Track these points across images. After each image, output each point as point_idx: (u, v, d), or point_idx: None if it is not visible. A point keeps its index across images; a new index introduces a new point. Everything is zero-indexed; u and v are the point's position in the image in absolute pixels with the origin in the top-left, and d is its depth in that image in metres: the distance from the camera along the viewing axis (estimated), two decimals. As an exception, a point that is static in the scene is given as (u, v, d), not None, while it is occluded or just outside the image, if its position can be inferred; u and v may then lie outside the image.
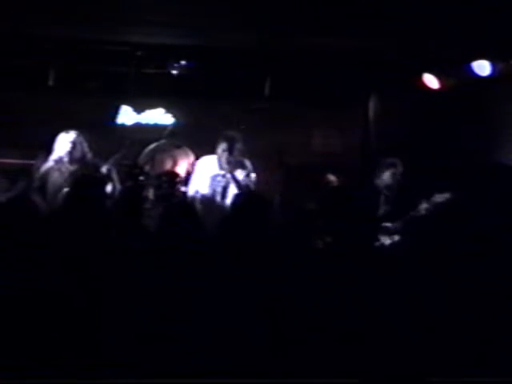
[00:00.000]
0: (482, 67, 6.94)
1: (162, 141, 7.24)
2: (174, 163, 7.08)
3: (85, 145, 6.40)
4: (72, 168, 6.27)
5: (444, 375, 3.25)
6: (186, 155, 7.14)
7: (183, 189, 6.69)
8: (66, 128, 6.52)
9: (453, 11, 6.06)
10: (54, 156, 6.33)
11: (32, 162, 6.66)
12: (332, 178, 7.11)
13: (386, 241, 5.68)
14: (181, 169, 7.05)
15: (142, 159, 6.96)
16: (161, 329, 3.26)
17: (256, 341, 3.31)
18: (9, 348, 3.14)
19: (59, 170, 6.27)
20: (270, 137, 7.96)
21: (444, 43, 6.66)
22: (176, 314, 3.33)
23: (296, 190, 6.85)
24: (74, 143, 6.32)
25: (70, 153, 6.29)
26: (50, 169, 6.30)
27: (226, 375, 3.12)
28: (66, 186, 6.01)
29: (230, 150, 6.33)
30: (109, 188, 5.98)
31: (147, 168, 6.88)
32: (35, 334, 3.20)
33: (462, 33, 6.32)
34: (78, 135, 6.37)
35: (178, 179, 6.79)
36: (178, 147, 7.18)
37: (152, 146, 7.12)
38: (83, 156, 6.37)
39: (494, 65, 6.89)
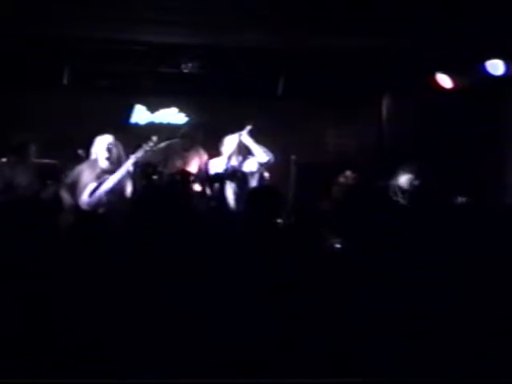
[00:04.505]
0: (496, 66, 6.91)
1: (175, 140, 7.22)
2: (187, 162, 7.01)
3: (121, 149, 6.40)
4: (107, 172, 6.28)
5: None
6: (199, 154, 7.10)
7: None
8: (78, 126, 6.57)
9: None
10: (91, 158, 6.37)
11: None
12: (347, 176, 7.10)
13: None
14: (194, 168, 7.00)
15: (153, 158, 6.98)
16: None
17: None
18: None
19: (93, 172, 6.28)
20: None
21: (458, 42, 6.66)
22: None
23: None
24: (110, 147, 6.33)
25: (107, 158, 6.31)
26: (84, 170, 6.32)
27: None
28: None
29: None
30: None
31: (161, 167, 6.89)
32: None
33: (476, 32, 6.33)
34: (114, 139, 6.38)
35: (192, 178, 6.81)
36: (191, 146, 7.13)
37: (163, 144, 7.05)
38: (119, 161, 6.36)
39: (507, 64, 6.87)
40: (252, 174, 6.79)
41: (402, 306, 3.53)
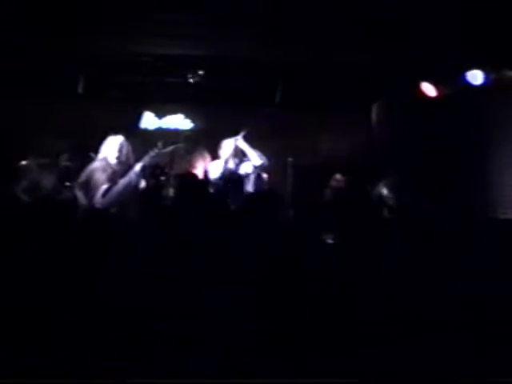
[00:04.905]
0: (475, 76, 7.20)
1: (179, 144, 7.56)
2: (191, 164, 7.38)
3: (129, 148, 6.85)
4: (116, 169, 6.73)
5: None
6: (203, 157, 7.45)
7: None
8: (94, 132, 6.96)
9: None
10: (101, 156, 6.79)
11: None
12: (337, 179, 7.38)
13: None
14: (198, 170, 7.33)
15: (161, 160, 7.24)
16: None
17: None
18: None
19: (104, 170, 6.72)
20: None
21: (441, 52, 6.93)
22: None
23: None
24: (120, 146, 6.79)
25: (117, 155, 6.76)
26: (96, 168, 6.71)
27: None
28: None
29: None
30: None
31: (167, 169, 7.16)
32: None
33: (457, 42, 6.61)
34: (124, 139, 6.83)
35: (195, 179, 7.14)
36: (195, 149, 7.51)
37: (169, 148, 7.40)
38: (127, 159, 6.82)
39: (487, 74, 7.13)
40: (248, 175, 7.05)
41: (397, 306, 3.53)
